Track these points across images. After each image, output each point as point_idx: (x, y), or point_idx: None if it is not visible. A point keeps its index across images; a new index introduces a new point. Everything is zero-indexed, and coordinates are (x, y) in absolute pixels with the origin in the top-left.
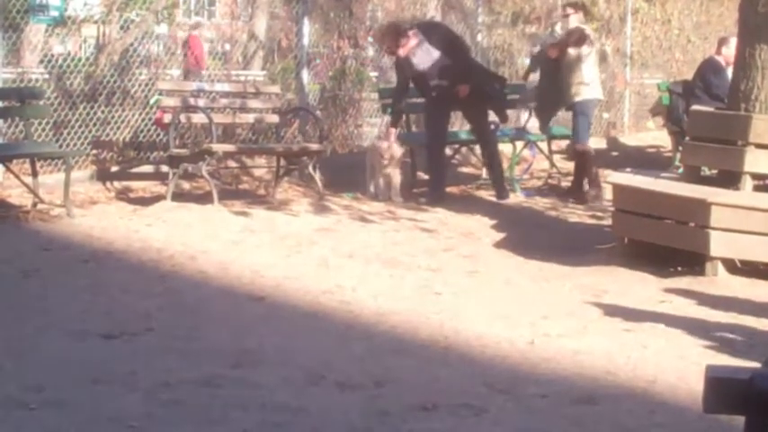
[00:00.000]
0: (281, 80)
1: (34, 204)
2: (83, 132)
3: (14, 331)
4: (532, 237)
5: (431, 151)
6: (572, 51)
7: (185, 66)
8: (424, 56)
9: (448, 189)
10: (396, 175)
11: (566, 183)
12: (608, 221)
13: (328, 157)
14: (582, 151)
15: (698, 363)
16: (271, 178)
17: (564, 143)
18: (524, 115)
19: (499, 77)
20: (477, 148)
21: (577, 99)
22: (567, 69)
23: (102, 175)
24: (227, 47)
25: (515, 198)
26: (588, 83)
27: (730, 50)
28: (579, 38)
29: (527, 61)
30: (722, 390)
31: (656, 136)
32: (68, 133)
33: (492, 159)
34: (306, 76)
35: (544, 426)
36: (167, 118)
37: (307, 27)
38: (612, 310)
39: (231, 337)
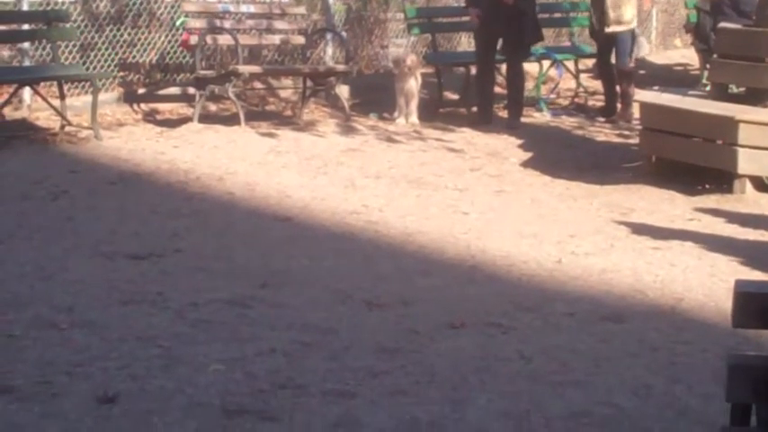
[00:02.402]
0: (306, 1)
1: (62, 127)
2: (109, 55)
3: (43, 253)
4: (559, 156)
5: (478, 72)
6: None
7: None
8: None
9: (474, 108)
10: (415, 92)
11: (592, 102)
12: (635, 140)
13: (354, 77)
14: (626, 72)
15: (726, 280)
16: (297, 99)
17: (591, 62)
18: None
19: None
20: (503, 68)
21: (619, 29)
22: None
23: (129, 98)
24: None
25: (542, 117)
26: (631, 18)
27: None
28: None
29: None
30: (751, 304)
31: (684, 54)
32: (95, 56)
33: (513, 81)
34: None
35: (571, 344)
36: (194, 40)
37: None
38: (640, 229)
39: (259, 257)
